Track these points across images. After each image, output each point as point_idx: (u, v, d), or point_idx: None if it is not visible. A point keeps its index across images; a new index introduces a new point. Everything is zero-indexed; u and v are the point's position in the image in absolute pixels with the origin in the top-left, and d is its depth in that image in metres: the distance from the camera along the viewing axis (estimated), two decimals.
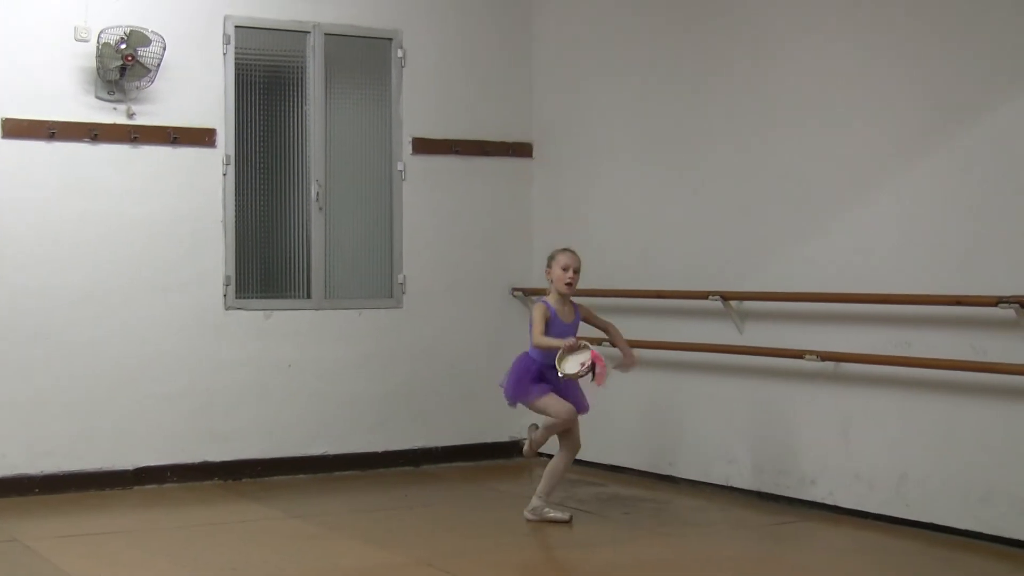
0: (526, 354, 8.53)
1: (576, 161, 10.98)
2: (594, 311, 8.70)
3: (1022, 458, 7.68)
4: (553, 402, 8.36)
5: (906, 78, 8.36)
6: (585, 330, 8.49)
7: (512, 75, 11.26)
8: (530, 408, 8.59)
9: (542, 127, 11.29)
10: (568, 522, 8.36)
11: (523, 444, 8.97)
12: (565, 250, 8.52)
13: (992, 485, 7.83)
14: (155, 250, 9.78)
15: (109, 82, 9.46)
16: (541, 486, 8.51)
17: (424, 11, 10.84)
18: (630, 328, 9.94)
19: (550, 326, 8.29)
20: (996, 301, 7.58)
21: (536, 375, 8.42)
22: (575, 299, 8.59)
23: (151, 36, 9.45)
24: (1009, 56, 7.79)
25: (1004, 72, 7.83)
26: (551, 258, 8.50)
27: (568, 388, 8.43)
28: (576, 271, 8.41)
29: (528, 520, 8.38)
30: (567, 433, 8.52)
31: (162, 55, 9.53)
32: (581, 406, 8.49)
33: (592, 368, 7.92)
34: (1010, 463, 7.74)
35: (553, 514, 8.41)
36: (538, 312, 8.35)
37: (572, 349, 8.03)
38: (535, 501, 8.46)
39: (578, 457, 10.74)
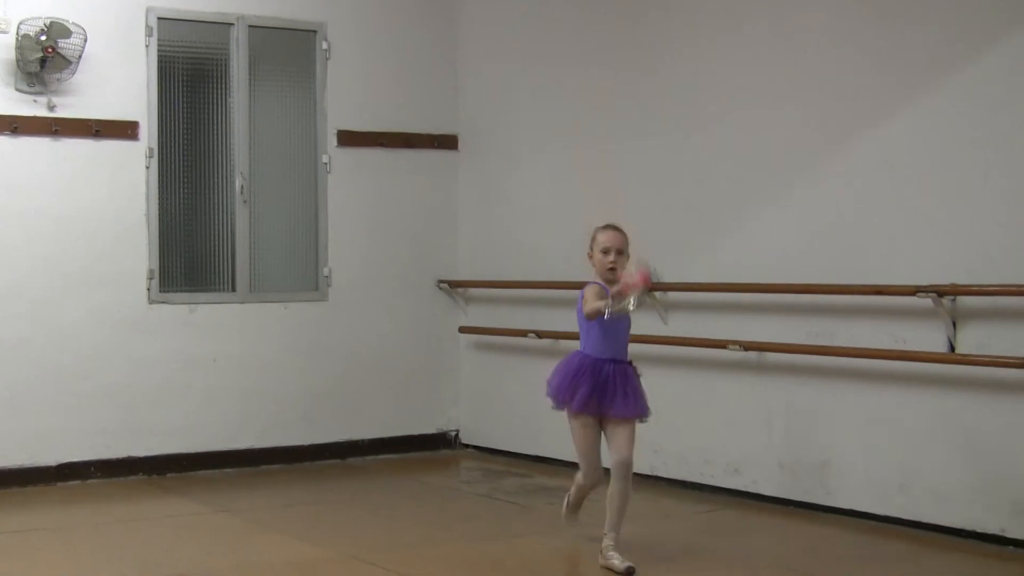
0: (579, 352, 7.34)
1: (501, 153, 11.03)
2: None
3: (939, 445, 7.85)
4: (588, 452, 7.32)
5: (826, 74, 8.49)
6: None
7: (438, 68, 11.31)
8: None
9: (468, 120, 11.34)
10: (629, 574, 6.95)
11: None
12: (606, 228, 7.31)
13: (910, 472, 8.01)
14: (78, 244, 9.75)
15: (29, 74, 9.42)
16: (608, 521, 7.19)
17: (349, 3, 10.87)
18: (551, 319, 10.27)
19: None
20: (915, 291, 7.73)
21: (593, 374, 7.18)
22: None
23: (72, 27, 9.40)
24: (925, 52, 7.95)
25: (920, 68, 7.99)
26: (592, 238, 7.32)
27: (620, 399, 7.19)
28: (620, 252, 7.19)
29: (602, 567, 7.12)
30: (614, 454, 7.19)
31: (83, 47, 9.48)
32: (642, 411, 7.26)
33: (647, 284, 6.83)
34: (927, 450, 7.92)
35: (614, 561, 7.01)
36: (591, 291, 7.12)
37: (621, 294, 6.78)
38: (605, 541, 7.15)
39: (504, 448, 10.95)
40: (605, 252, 7.18)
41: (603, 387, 7.16)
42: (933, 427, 7.90)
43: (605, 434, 7.29)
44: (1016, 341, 7.42)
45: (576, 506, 7.62)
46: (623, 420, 7.20)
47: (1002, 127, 7.57)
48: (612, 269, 7.14)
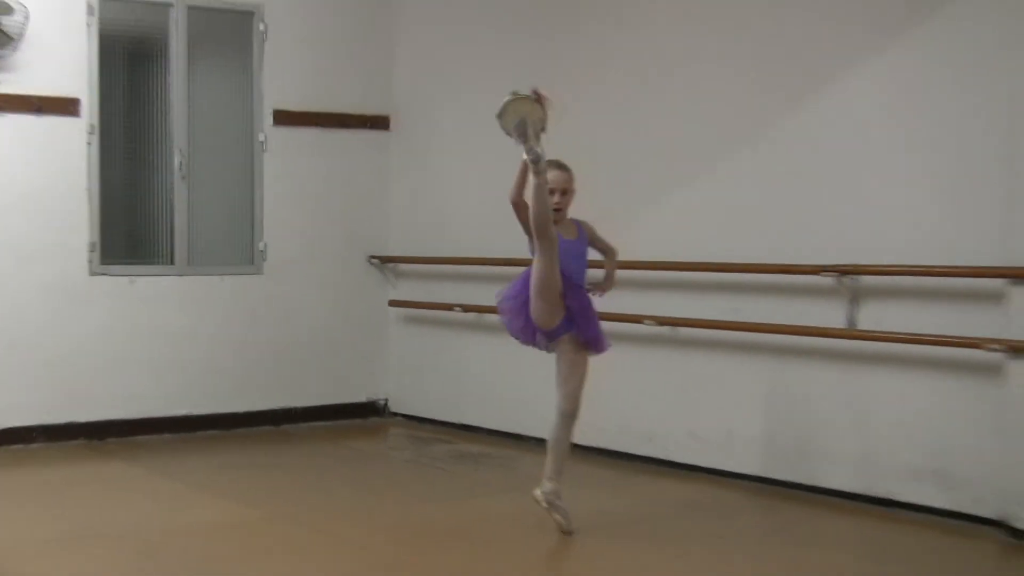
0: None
1: (432, 134, 11.07)
2: (598, 233, 7.41)
3: (836, 415, 8.05)
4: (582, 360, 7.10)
5: (738, 66, 8.62)
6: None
7: (371, 50, 11.32)
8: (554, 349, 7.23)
9: (400, 100, 11.36)
10: (569, 534, 7.08)
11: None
12: (551, 166, 6.92)
13: (809, 439, 8.20)
14: (20, 217, 9.76)
15: None
16: (551, 467, 7.20)
17: None
18: (476, 294, 10.25)
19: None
20: (819, 270, 7.92)
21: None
22: (582, 219, 7.33)
23: (14, 5, 9.39)
24: (831, 45, 8.11)
25: (823, 62, 8.15)
26: None
27: (582, 320, 7.07)
28: (565, 192, 7.05)
29: (535, 498, 7.20)
30: (563, 394, 7.19)
31: (25, 24, 9.48)
32: (599, 342, 7.17)
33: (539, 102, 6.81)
34: (826, 419, 8.11)
35: (559, 516, 7.10)
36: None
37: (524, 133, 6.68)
38: (547, 484, 7.17)
39: (430, 416, 10.90)
40: (551, 192, 6.93)
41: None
42: (832, 398, 8.09)
43: (558, 364, 7.17)
44: (910, 317, 7.60)
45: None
46: (578, 351, 7.12)
47: (902, 118, 7.74)
48: (557, 210, 7.00)
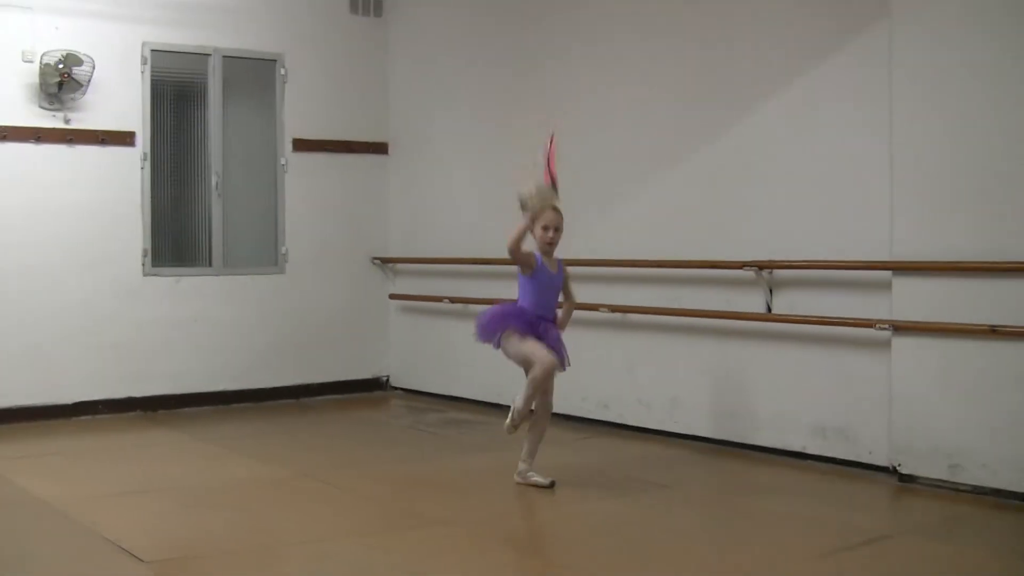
0: (514, 304, 7.10)
1: (422, 156, 11.02)
2: (570, 280, 7.25)
3: (759, 384, 8.06)
4: (539, 348, 6.85)
5: (680, 80, 8.58)
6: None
7: (372, 88, 11.29)
8: (507, 352, 7.05)
9: (396, 129, 11.32)
10: (550, 487, 7.04)
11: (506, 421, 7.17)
12: (550, 207, 6.93)
13: (738, 404, 8.22)
14: (87, 230, 9.73)
15: (50, 95, 9.42)
16: (525, 450, 7.17)
17: (302, 38, 10.84)
18: (462, 288, 10.24)
19: (537, 271, 6.94)
20: (741, 265, 7.92)
21: (523, 319, 6.96)
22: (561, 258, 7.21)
23: (83, 58, 9.43)
24: (747, 76, 8.09)
25: (745, 89, 8.11)
26: (536, 215, 6.92)
27: (551, 343, 6.96)
28: (557, 229, 6.91)
29: (517, 483, 7.15)
30: (543, 395, 7.10)
31: (92, 73, 9.49)
32: (563, 361, 7.03)
33: (549, 172, 6.85)
34: (750, 387, 8.13)
35: (536, 478, 7.09)
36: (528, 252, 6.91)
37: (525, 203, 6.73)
38: (521, 465, 7.17)
39: (425, 390, 10.80)
40: (546, 229, 6.90)
41: (535, 327, 6.93)
42: (755, 369, 8.10)
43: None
44: (818, 304, 7.62)
45: (526, 416, 7.04)
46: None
47: (806, 135, 7.75)
48: (551, 244, 6.95)
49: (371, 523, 6.47)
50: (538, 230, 6.95)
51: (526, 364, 6.94)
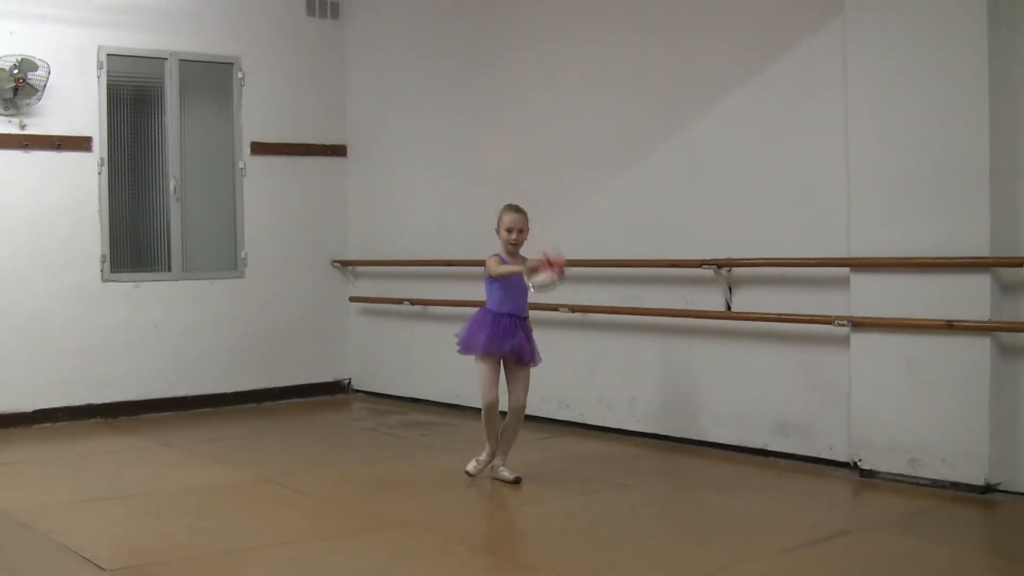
0: (484, 308, 7.22)
1: (381, 159, 11.03)
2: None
3: (719, 381, 8.11)
4: (487, 382, 7.09)
5: (638, 79, 8.62)
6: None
7: (330, 91, 11.28)
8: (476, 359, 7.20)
9: (355, 132, 11.32)
10: (516, 483, 7.19)
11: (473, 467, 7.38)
12: (509, 209, 7.16)
13: (698, 402, 8.25)
14: (44, 235, 9.66)
15: (4, 100, 9.34)
16: (499, 449, 7.33)
17: (259, 41, 10.81)
18: (421, 290, 10.26)
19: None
20: (700, 264, 7.97)
21: (492, 325, 7.09)
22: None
23: (38, 63, 9.36)
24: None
25: (703, 93, 8.17)
26: (499, 217, 7.18)
27: (520, 347, 7.14)
28: (521, 231, 7.10)
29: (493, 479, 7.30)
30: (513, 399, 7.25)
31: (47, 78, 9.42)
32: (534, 359, 7.23)
33: (560, 272, 6.68)
34: (710, 385, 8.17)
35: (504, 473, 7.27)
36: (493, 260, 7.04)
37: (534, 270, 6.72)
38: (495, 460, 7.33)
39: (386, 392, 10.80)
40: (509, 231, 7.07)
41: (502, 336, 7.05)
42: (716, 367, 8.15)
43: (506, 377, 7.20)
44: (775, 301, 7.69)
45: (493, 439, 7.26)
46: (520, 367, 7.18)
47: (764, 138, 7.81)
48: (515, 244, 7.09)
49: (334, 526, 6.46)
50: (502, 232, 7.13)
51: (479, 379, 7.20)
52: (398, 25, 10.90)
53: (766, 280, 7.81)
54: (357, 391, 11.45)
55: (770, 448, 7.84)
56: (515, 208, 7.17)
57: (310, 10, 11.20)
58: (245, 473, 7.79)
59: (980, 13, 6.65)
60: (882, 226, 7.08)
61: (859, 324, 7.19)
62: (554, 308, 8.88)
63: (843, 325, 7.27)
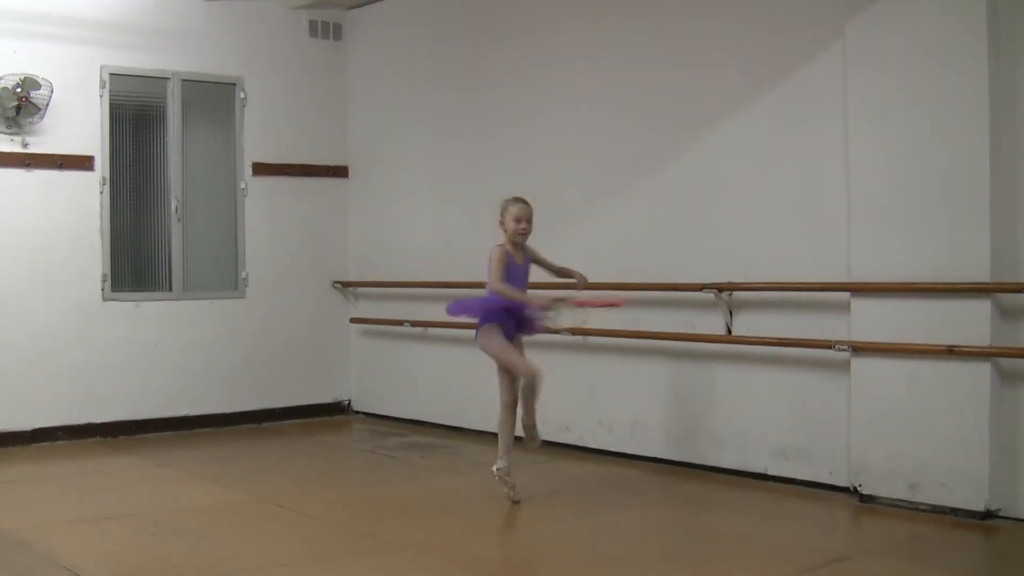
0: (491, 295, 7.18)
1: (382, 181, 11.04)
2: (541, 253, 7.47)
3: (719, 405, 8.08)
4: (522, 360, 7.18)
5: (640, 103, 8.61)
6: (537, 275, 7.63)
7: (331, 112, 11.30)
8: (486, 347, 7.22)
9: (356, 153, 11.33)
10: (516, 503, 7.23)
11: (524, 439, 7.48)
12: (516, 201, 7.23)
13: (697, 426, 8.22)
14: (46, 253, 9.67)
15: (7, 119, 9.35)
16: (500, 447, 7.35)
17: (261, 62, 10.85)
18: (422, 311, 10.21)
19: (507, 269, 7.12)
20: (701, 287, 7.96)
21: (500, 316, 7.16)
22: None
23: (41, 81, 9.39)
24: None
25: (704, 117, 8.17)
26: (503, 209, 7.22)
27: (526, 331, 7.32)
28: (528, 220, 7.17)
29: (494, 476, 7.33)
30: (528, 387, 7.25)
31: (50, 96, 9.45)
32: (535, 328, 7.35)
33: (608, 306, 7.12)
34: (710, 410, 8.14)
35: (507, 488, 7.29)
36: (499, 254, 7.10)
37: (548, 308, 6.98)
38: (500, 462, 7.33)
39: (386, 413, 10.78)
40: (517, 220, 7.15)
41: (511, 334, 7.19)
42: (716, 391, 8.12)
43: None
44: (776, 324, 7.67)
45: (511, 441, 7.29)
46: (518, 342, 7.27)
47: (765, 162, 7.80)
48: (523, 234, 7.17)
49: (333, 548, 6.43)
50: (510, 223, 7.19)
51: (506, 367, 7.21)
52: (400, 47, 10.92)
53: (767, 304, 7.80)
54: (357, 412, 11.43)
55: (770, 472, 7.82)
56: (521, 199, 7.27)
57: (312, 31, 11.23)
58: (244, 493, 7.78)
59: (980, 37, 6.65)
60: (883, 251, 7.08)
61: (859, 348, 7.18)
62: (556, 331, 8.78)
63: (843, 350, 7.25)
